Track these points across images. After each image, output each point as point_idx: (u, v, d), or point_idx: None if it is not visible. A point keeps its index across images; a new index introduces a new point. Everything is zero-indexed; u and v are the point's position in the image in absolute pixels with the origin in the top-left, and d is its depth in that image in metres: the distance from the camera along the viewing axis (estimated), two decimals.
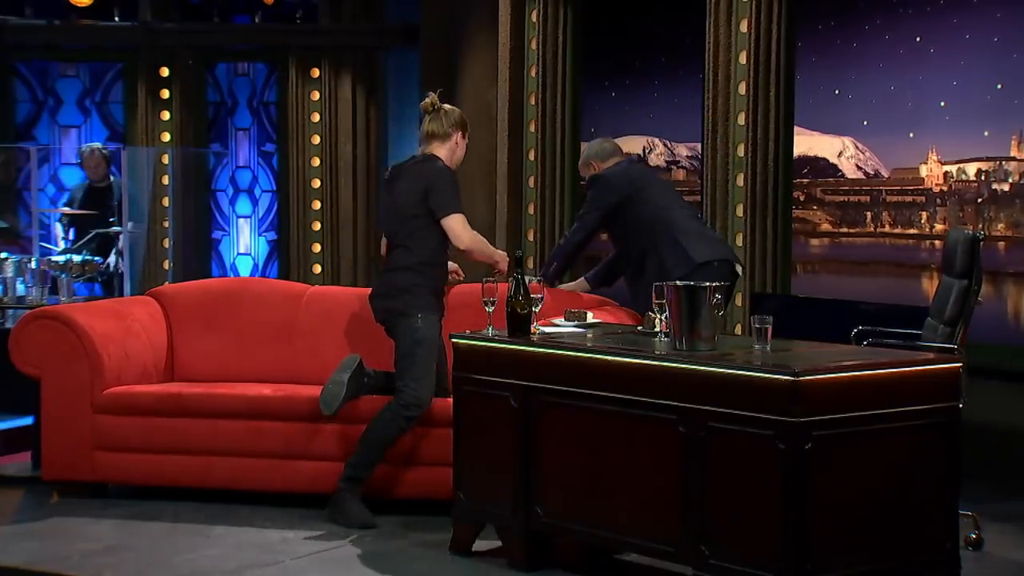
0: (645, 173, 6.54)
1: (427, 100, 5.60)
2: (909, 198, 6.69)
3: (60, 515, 5.60)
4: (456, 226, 5.43)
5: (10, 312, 7.06)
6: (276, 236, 11.08)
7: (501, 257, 5.70)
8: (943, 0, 6.46)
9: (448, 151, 5.54)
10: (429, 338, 5.40)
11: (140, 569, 4.84)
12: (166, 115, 10.80)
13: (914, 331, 5.23)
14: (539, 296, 4.81)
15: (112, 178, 9.38)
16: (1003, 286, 6.24)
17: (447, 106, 5.63)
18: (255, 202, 11.13)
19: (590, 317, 5.04)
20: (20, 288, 7.38)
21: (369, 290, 5.71)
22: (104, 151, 9.35)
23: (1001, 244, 6.23)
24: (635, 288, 5.99)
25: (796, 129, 7.06)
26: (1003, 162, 6.22)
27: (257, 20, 10.91)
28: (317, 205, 10.75)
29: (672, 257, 5.84)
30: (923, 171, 6.59)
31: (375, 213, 10.75)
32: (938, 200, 6.52)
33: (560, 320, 5.06)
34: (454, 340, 4.93)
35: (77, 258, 8.01)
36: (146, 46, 10.75)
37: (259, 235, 11.15)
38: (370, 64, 10.75)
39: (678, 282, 4.42)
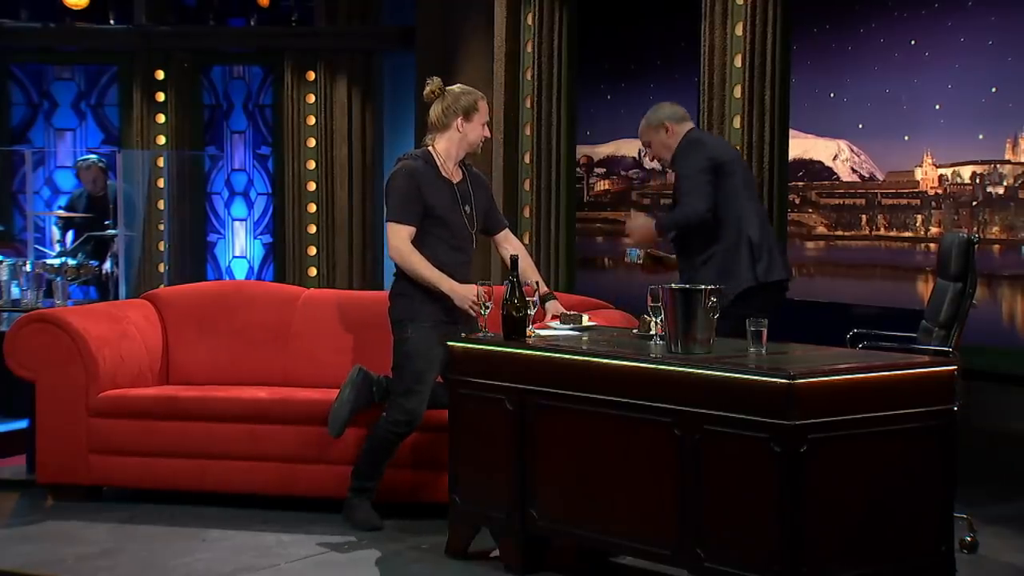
0: (728, 145, 6.34)
1: (427, 89, 5.33)
2: (904, 201, 6.69)
3: (55, 518, 5.60)
4: (388, 235, 5.24)
5: (5, 315, 7.05)
6: (271, 239, 11.08)
7: (448, 289, 5.14)
8: (938, 3, 6.47)
9: (448, 141, 5.29)
10: (420, 350, 5.21)
11: (135, 573, 4.84)
12: (161, 118, 10.80)
13: (909, 334, 5.23)
14: (534, 299, 4.81)
15: (110, 182, 9.38)
16: (998, 289, 6.25)
17: (453, 89, 5.33)
18: (250, 205, 11.13)
19: (585, 320, 5.04)
20: (15, 291, 7.37)
21: (366, 292, 5.70)
22: (100, 163, 9.34)
23: (996, 247, 6.24)
24: (688, 270, 5.60)
25: (791, 132, 7.07)
26: (998, 165, 6.23)
27: (252, 23, 10.91)
28: (313, 208, 10.75)
29: (738, 263, 5.55)
30: (918, 174, 6.60)
31: (371, 216, 10.77)
32: (933, 203, 6.52)
33: (556, 323, 5.07)
34: (449, 344, 4.93)
35: (72, 261, 8.00)
36: (141, 49, 10.75)
37: (254, 238, 11.15)
38: (366, 67, 10.75)
39: (673, 285, 4.42)
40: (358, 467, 5.34)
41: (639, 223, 5.81)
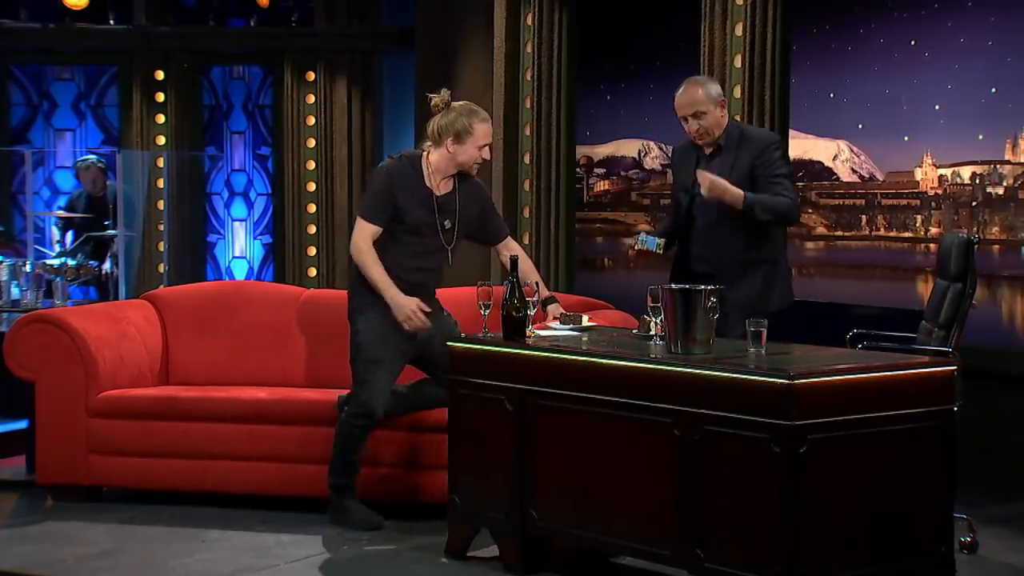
0: None
1: (434, 100, 5.27)
2: (904, 201, 6.69)
3: (54, 519, 5.59)
4: (355, 228, 5.24)
5: (5, 316, 7.05)
6: (271, 239, 11.08)
7: (389, 298, 5.14)
8: (937, 4, 6.47)
9: (439, 156, 5.24)
10: (367, 342, 5.21)
11: (135, 573, 4.84)
12: (161, 118, 10.80)
13: (909, 334, 5.23)
14: (534, 300, 4.81)
15: (109, 183, 9.38)
16: (997, 289, 6.25)
17: (456, 106, 5.25)
18: (250, 205, 11.13)
19: (585, 320, 5.04)
20: (15, 291, 7.37)
21: None
22: (100, 164, 9.34)
23: (995, 247, 6.24)
24: (721, 275, 5.04)
25: (791, 132, 7.06)
26: (997, 165, 6.23)
27: (252, 23, 10.91)
28: (312, 208, 10.75)
29: (782, 278, 5.33)
30: (918, 174, 6.60)
31: None
32: (933, 203, 6.52)
33: (555, 323, 5.07)
34: (449, 344, 4.93)
35: (72, 262, 8.00)
36: (141, 49, 10.75)
37: (254, 238, 11.15)
38: (365, 67, 10.75)
39: (673, 285, 4.42)
40: (332, 464, 5.34)
41: (723, 182, 5.11)
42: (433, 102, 5.29)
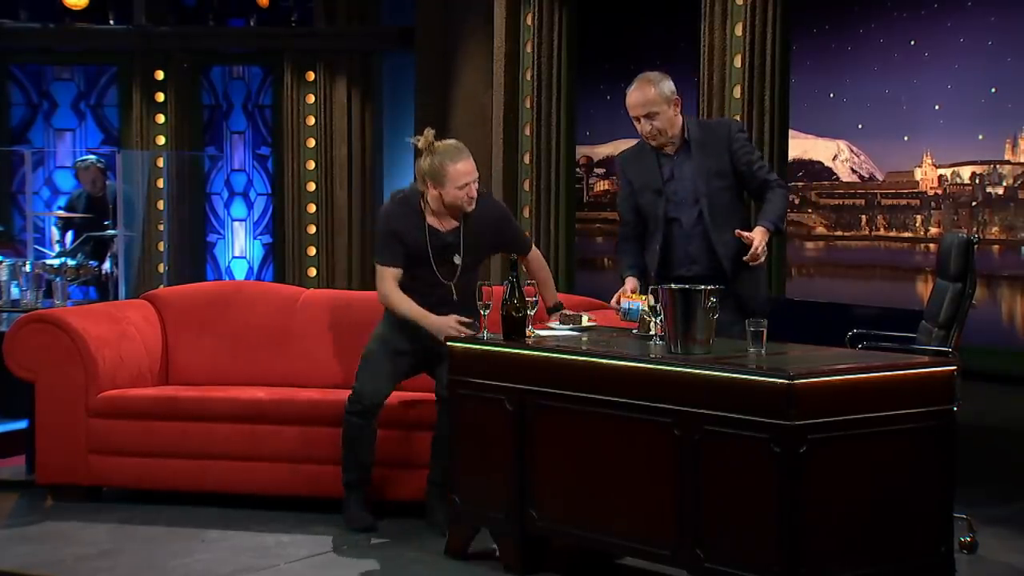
0: None
1: (419, 141, 5.22)
2: (904, 201, 6.70)
3: (54, 519, 5.59)
4: (377, 275, 5.30)
5: (5, 315, 7.04)
6: (271, 239, 11.08)
7: (427, 324, 5.15)
8: (937, 4, 6.47)
9: (431, 197, 5.21)
10: (374, 335, 5.36)
11: (134, 573, 4.84)
12: (161, 118, 10.80)
13: (909, 334, 5.23)
14: (534, 299, 4.81)
15: (109, 183, 9.38)
16: (997, 289, 6.25)
17: (437, 147, 5.17)
18: (250, 205, 11.13)
19: (585, 320, 5.04)
20: (15, 291, 7.37)
21: (364, 293, 5.70)
22: (99, 164, 9.34)
23: (995, 247, 6.24)
24: (725, 276, 4.94)
25: (791, 132, 7.07)
26: (997, 165, 6.23)
27: (252, 23, 10.91)
28: (312, 208, 10.76)
29: (764, 272, 5.19)
30: (918, 174, 6.60)
31: (370, 216, 10.77)
32: (932, 203, 6.53)
33: (555, 323, 5.06)
34: (449, 344, 4.93)
35: (72, 262, 8.00)
36: (141, 49, 10.76)
37: (254, 238, 11.15)
38: (365, 67, 10.75)
39: (673, 285, 4.42)
40: (342, 460, 5.37)
41: (758, 242, 4.86)
42: (417, 144, 5.25)
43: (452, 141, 5.28)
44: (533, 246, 5.60)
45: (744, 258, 4.89)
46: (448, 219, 5.27)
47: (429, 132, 5.24)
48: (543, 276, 5.41)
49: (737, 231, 4.93)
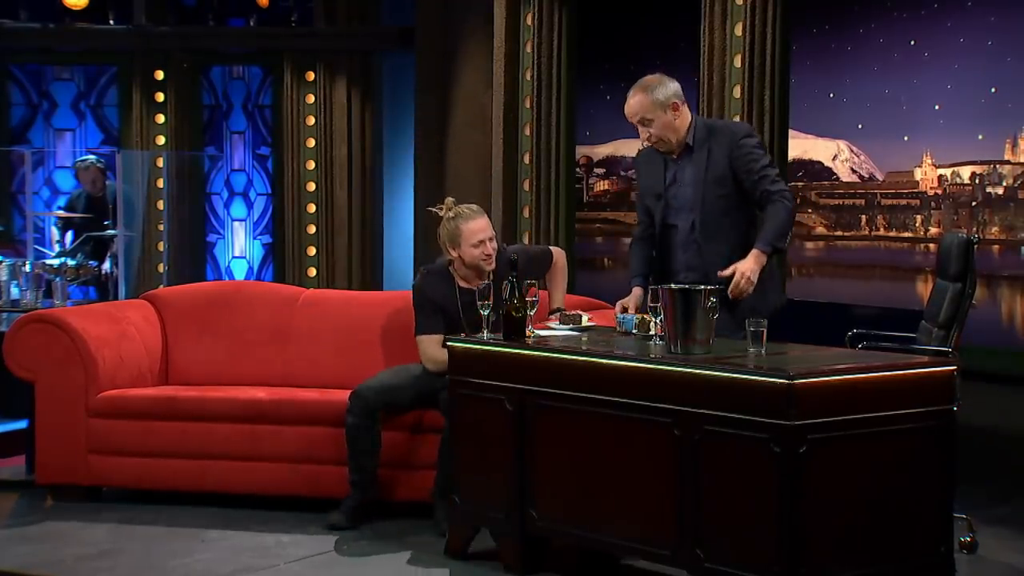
0: None
1: (441, 210, 5.41)
2: (904, 201, 6.70)
3: (54, 519, 5.59)
4: (420, 348, 5.39)
5: (4, 315, 7.05)
6: (271, 239, 11.08)
7: None
8: (937, 4, 6.47)
9: (456, 262, 5.40)
10: (407, 366, 5.46)
11: (134, 573, 4.84)
12: (161, 118, 10.80)
13: (909, 334, 5.23)
14: (534, 299, 4.81)
15: (109, 183, 9.38)
16: (997, 289, 6.25)
17: (456, 209, 5.38)
18: (250, 205, 11.13)
19: (585, 320, 5.04)
20: (15, 291, 7.37)
21: (366, 292, 5.70)
22: (99, 164, 9.34)
23: (995, 247, 6.24)
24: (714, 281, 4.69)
25: (791, 132, 7.07)
26: (997, 165, 6.23)
27: (252, 23, 10.91)
28: (312, 208, 10.76)
29: (774, 279, 5.04)
30: (917, 174, 6.60)
31: (370, 215, 10.78)
32: (932, 203, 6.53)
33: (555, 323, 5.07)
34: (449, 344, 4.93)
35: (72, 262, 8.00)
36: (141, 49, 10.75)
37: (254, 238, 11.15)
38: (365, 67, 10.75)
39: (673, 285, 4.42)
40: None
41: (749, 266, 4.73)
42: (440, 213, 5.41)
43: (470, 204, 5.47)
44: (553, 250, 5.68)
45: (728, 291, 4.69)
46: (476, 280, 5.37)
47: (449, 200, 5.45)
48: (558, 279, 5.57)
49: (719, 272, 4.74)
